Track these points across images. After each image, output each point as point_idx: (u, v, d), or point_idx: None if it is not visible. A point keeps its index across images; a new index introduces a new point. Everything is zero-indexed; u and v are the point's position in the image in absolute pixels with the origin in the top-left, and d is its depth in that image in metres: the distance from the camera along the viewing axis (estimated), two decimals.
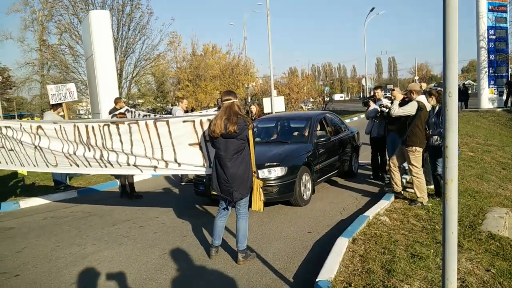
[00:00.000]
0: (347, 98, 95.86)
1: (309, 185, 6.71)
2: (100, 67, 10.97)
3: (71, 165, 6.25)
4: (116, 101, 10.15)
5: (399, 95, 6.83)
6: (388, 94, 7.78)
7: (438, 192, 6.54)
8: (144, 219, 6.46)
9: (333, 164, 7.74)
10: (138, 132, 5.25)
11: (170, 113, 9.18)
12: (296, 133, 7.89)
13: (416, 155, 6.16)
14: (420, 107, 6.16)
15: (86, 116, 38.76)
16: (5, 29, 45.31)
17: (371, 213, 5.61)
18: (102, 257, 4.85)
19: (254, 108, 10.30)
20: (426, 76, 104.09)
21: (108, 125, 5.53)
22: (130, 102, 33.23)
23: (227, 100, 4.17)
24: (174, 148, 5.08)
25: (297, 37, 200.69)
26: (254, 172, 4.20)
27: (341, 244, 4.36)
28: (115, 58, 21.65)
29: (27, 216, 7.18)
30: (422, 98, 6.29)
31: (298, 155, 6.64)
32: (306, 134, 7.40)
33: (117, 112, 8.56)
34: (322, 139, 7.23)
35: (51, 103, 8.71)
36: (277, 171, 6.08)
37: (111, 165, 5.77)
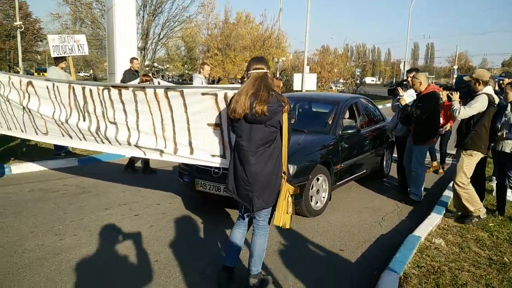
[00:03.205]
0: (378, 82, 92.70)
1: (325, 190, 5.26)
2: (119, 21, 9.89)
3: (63, 135, 5.24)
4: (131, 60, 9.13)
5: (454, 96, 5.03)
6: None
7: (502, 209, 5.28)
8: (142, 205, 5.44)
9: (360, 164, 6.24)
10: (146, 102, 4.15)
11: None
12: (316, 121, 6.34)
13: (473, 162, 4.85)
14: (491, 101, 4.73)
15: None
16: None
17: (422, 232, 4.41)
18: (77, 257, 3.84)
19: (276, 83, 8.93)
20: (464, 66, 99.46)
21: (109, 89, 4.45)
22: (155, 65, 32.21)
23: (257, 68, 3.00)
24: (190, 126, 3.95)
25: (334, 14, 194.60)
26: (284, 173, 3.04)
27: (390, 284, 3.20)
28: (143, 16, 20.66)
29: (14, 185, 6.27)
30: (490, 89, 4.85)
31: (314, 150, 5.17)
32: (330, 122, 5.86)
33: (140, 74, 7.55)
34: (349, 131, 5.69)
35: (52, 55, 7.67)
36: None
37: (109, 141, 4.73)
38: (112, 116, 4.45)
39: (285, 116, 2.93)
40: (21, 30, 13.11)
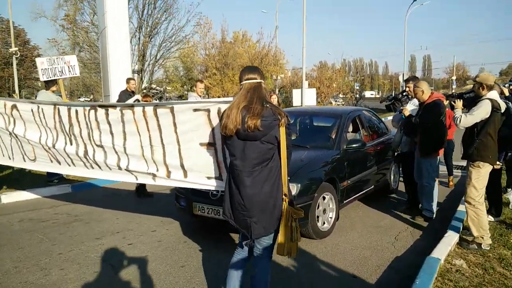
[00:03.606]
0: (377, 96, 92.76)
1: (332, 210, 4.89)
2: (112, 43, 9.68)
3: (51, 161, 4.94)
4: (128, 81, 8.87)
5: (457, 104, 4.61)
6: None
7: None
8: (137, 233, 5.09)
9: (367, 179, 5.86)
10: (133, 122, 3.86)
11: None
12: (319, 135, 6.01)
13: (482, 173, 4.37)
14: (495, 107, 4.30)
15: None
16: (39, 7, 44.51)
17: (440, 253, 4.03)
18: None
19: (275, 98, 8.57)
20: (462, 77, 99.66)
21: (96, 109, 4.16)
22: (153, 86, 32.14)
23: (249, 79, 2.70)
24: (180, 147, 3.63)
25: (330, 29, 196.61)
26: (286, 195, 2.70)
27: None
28: (139, 38, 20.59)
29: (4, 215, 5.93)
30: (494, 94, 4.41)
31: (318, 167, 4.82)
32: (333, 137, 5.51)
33: (137, 97, 7.31)
34: (354, 145, 5.33)
35: (41, 79, 7.42)
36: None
37: (99, 166, 4.42)
38: (98, 138, 4.15)
39: (282, 131, 2.60)
40: (17, 56, 12.90)
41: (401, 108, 5.66)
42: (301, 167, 4.58)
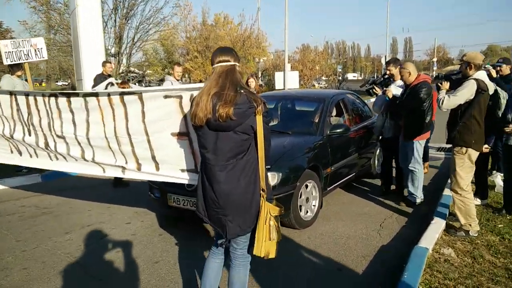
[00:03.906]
0: (360, 78, 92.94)
1: (316, 198, 4.67)
2: (83, 24, 9.16)
3: (11, 152, 4.57)
4: (104, 64, 8.44)
5: (444, 85, 4.35)
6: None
7: (510, 207, 4.78)
8: (110, 225, 4.78)
9: (351, 164, 5.65)
10: (98, 109, 3.52)
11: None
12: (301, 120, 5.69)
13: (466, 160, 4.13)
14: (481, 88, 4.00)
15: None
16: None
17: (428, 242, 3.85)
18: None
19: (253, 82, 8.16)
20: (443, 58, 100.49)
21: (56, 97, 3.80)
22: (132, 69, 31.34)
23: (222, 61, 2.40)
24: (150, 138, 3.31)
25: (313, 12, 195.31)
26: (263, 191, 2.44)
27: None
28: (115, 20, 19.79)
29: None
30: (482, 75, 4.11)
31: (301, 154, 4.57)
32: (316, 122, 5.25)
33: (111, 81, 6.85)
34: (338, 130, 5.05)
35: (5, 63, 6.92)
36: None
37: (64, 157, 4.07)
38: (59, 129, 3.81)
39: (259, 120, 2.32)
40: None
41: (384, 89, 5.42)
42: (282, 155, 4.32)
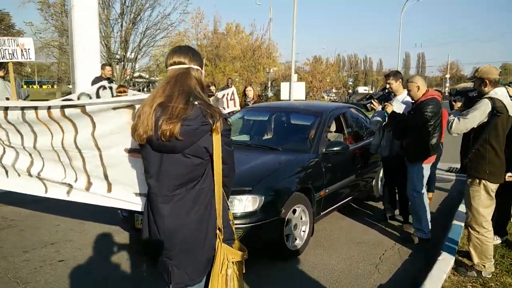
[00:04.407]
0: (371, 91, 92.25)
1: (306, 223, 4.12)
2: (77, 24, 8.76)
3: None
4: (103, 67, 8.12)
5: (457, 105, 3.79)
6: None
7: None
8: (76, 245, 4.28)
9: (350, 186, 5.06)
10: (39, 122, 3.03)
11: (208, 87, 6.77)
12: (294, 136, 5.15)
13: (482, 193, 3.50)
14: (497, 109, 3.34)
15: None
16: None
17: (433, 285, 3.28)
18: None
19: (250, 91, 7.70)
20: (456, 75, 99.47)
21: None
22: (142, 75, 31.27)
23: (174, 63, 1.90)
24: (101, 153, 2.80)
25: (325, 24, 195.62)
26: (220, 230, 1.90)
27: None
28: (121, 25, 19.53)
29: None
30: (500, 93, 3.44)
31: (290, 174, 4.01)
32: (311, 138, 4.69)
33: (103, 84, 6.47)
34: (335, 148, 4.50)
35: None
36: (245, 203, 3.49)
37: (5, 171, 3.57)
38: (6, 138, 3.33)
39: (216, 140, 1.81)
40: None
41: (384, 104, 4.82)
42: (267, 175, 3.80)
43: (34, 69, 65.11)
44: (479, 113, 3.40)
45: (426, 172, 4.49)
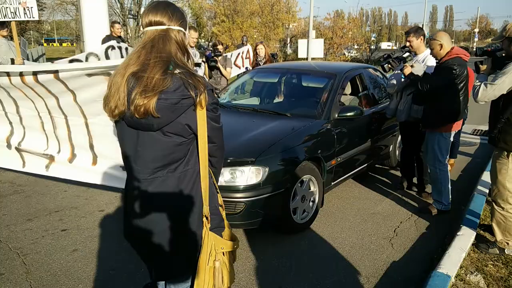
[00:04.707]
0: (395, 47, 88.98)
1: (314, 194, 3.85)
2: None
3: None
4: (112, 25, 7.83)
5: (483, 67, 3.32)
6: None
7: None
8: (80, 213, 4.19)
9: (364, 154, 4.73)
10: (14, 88, 2.80)
11: (215, 46, 6.44)
12: (304, 100, 4.76)
13: (510, 167, 3.17)
14: None
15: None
16: None
17: (450, 266, 3.04)
18: None
19: (262, 50, 7.23)
20: (485, 29, 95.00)
21: None
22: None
23: (151, 23, 1.60)
24: (87, 121, 2.61)
25: None
26: (206, 218, 1.68)
27: None
28: None
29: None
30: None
31: (298, 142, 3.68)
32: (323, 102, 4.29)
33: (112, 44, 6.31)
34: (348, 114, 4.13)
35: None
36: (247, 175, 3.22)
37: None
38: None
39: (201, 116, 1.55)
40: None
41: (403, 65, 4.39)
42: (272, 144, 3.49)
43: (53, 27, 64.90)
44: (509, 78, 3.00)
45: (449, 140, 4.14)
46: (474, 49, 3.87)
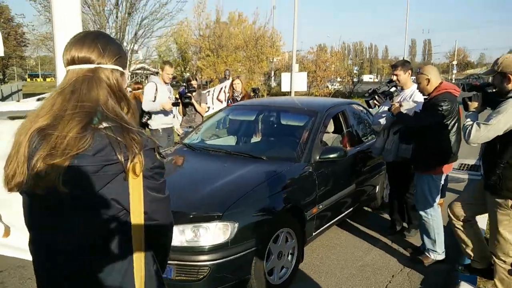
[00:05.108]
0: (376, 80, 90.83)
1: (293, 249, 3.39)
2: (57, 8, 8.06)
3: None
4: None
5: (472, 104, 3.04)
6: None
7: None
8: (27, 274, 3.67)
9: (348, 198, 4.28)
10: None
11: (188, 82, 6.03)
12: (282, 140, 4.40)
13: None
14: None
15: None
16: None
17: None
18: None
19: (239, 84, 6.72)
20: (463, 62, 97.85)
21: None
22: (146, 67, 30.89)
23: (73, 61, 1.23)
24: None
25: (330, 12, 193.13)
26: None
27: None
28: (117, 16, 18.82)
29: None
30: None
31: (272, 192, 3.21)
32: (303, 142, 3.89)
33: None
34: (331, 155, 3.71)
35: None
36: (213, 233, 2.75)
37: None
38: None
39: (135, 185, 1.16)
40: None
41: (390, 103, 4.10)
42: (243, 194, 3.04)
43: (37, 62, 64.62)
44: (506, 117, 2.69)
45: (440, 183, 3.79)
46: (454, 82, 3.53)
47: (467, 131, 2.86)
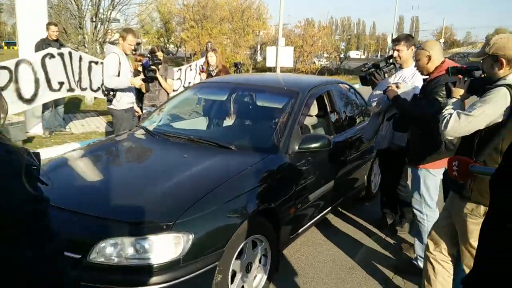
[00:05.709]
0: (363, 56, 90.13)
1: (266, 258, 2.84)
2: None
3: None
4: (48, 26, 7.01)
5: (456, 91, 2.51)
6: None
7: None
8: None
9: (331, 193, 3.66)
10: None
11: (153, 53, 5.36)
12: (256, 127, 3.85)
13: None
14: None
15: None
16: None
17: None
18: None
19: (212, 57, 6.16)
20: (449, 40, 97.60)
21: None
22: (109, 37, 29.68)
23: None
24: None
25: None
26: None
27: None
28: None
29: None
30: None
31: (240, 193, 2.56)
32: (280, 128, 3.25)
33: (50, 51, 5.84)
34: (311, 145, 3.10)
35: None
36: (161, 248, 2.12)
37: None
38: None
39: None
40: None
41: (388, 84, 3.54)
42: (203, 195, 2.39)
43: (15, 30, 62.14)
44: (492, 109, 2.19)
45: (439, 178, 3.27)
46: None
47: (445, 120, 2.34)
